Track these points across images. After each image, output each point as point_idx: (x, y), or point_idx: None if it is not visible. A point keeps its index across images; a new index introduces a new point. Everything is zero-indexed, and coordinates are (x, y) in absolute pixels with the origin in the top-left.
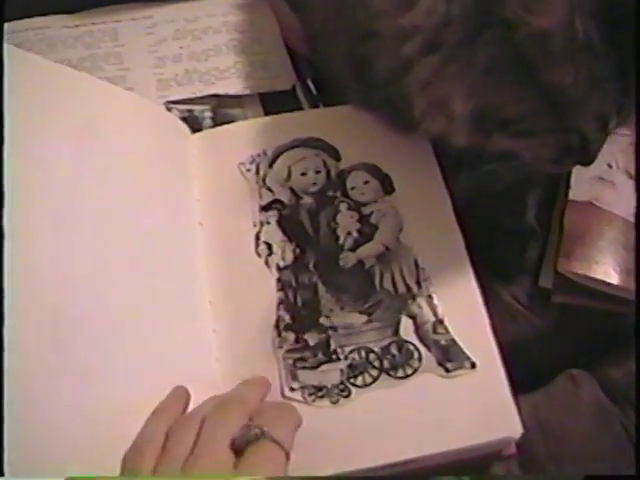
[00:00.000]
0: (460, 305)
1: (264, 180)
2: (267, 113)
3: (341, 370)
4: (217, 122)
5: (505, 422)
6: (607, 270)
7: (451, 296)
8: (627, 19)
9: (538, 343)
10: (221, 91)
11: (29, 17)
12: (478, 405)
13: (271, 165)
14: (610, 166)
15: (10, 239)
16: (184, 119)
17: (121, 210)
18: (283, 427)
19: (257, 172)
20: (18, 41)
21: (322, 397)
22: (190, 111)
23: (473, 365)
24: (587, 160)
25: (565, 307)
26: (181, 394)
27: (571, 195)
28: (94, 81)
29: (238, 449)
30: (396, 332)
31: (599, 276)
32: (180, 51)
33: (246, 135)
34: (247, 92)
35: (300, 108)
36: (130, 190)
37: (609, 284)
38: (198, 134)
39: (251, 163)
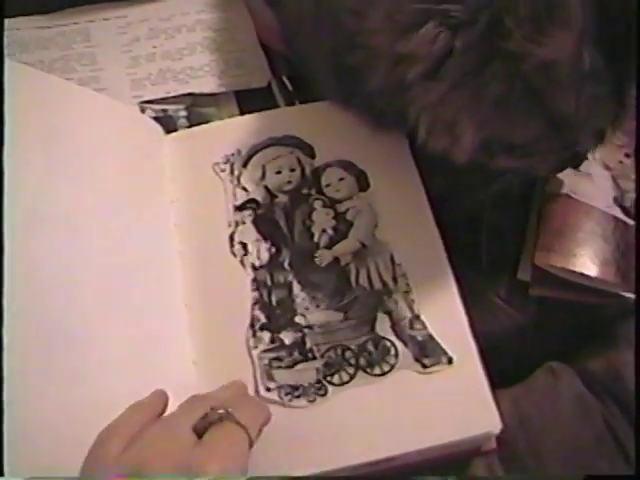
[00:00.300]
0: (437, 300)
1: (239, 179)
2: (242, 111)
3: (317, 369)
4: (192, 121)
5: (484, 417)
6: (585, 262)
7: (428, 291)
8: (627, 39)
9: (517, 336)
10: (196, 90)
11: None
12: (456, 401)
13: (245, 164)
14: (587, 158)
15: None
16: (158, 119)
17: (94, 213)
18: (248, 412)
19: (232, 172)
20: None
21: (298, 397)
22: (165, 110)
23: (450, 360)
24: (577, 164)
25: (544, 300)
26: (160, 395)
27: (548, 188)
28: (64, 84)
29: (200, 431)
30: (372, 329)
31: (577, 269)
32: (154, 50)
33: (220, 135)
34: (222, 90)
35: (276, 105)
36: (104, 193)
37: (587, 276)
38: (172, 135)
39: (225, 163)
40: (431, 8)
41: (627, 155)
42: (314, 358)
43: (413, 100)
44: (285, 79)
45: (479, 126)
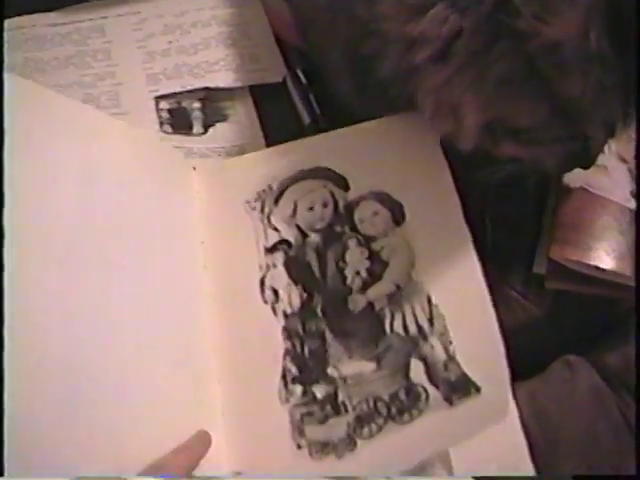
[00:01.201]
0: (474, 337)
1: (269, 218)
2: (257, 106)
3: (348, 423)
4: (207, 115)
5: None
6: (600, 256)
7: (466, 330)
8: (634, 31)
9: (533, 329)
10: (211, 84)
11: (12, 17)
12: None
13: (277, 201)
14: (603, 151)
15: (12, 288)
16: (172, 111)
17: (125, 256)
18: None
19: (262, 210)
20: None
21: (328, 453)
22: (179, 103)
23: (478, 389)
24: (588, 164)
25: (560, 293)
26: (204, 437)
27: (564, 180)
28: (92, 112)
29: None
30: (406, 376)
31: (592, 262)
32: (169, 45)
33: (250, 169)
34: (237, 85)
35: (290, 100)
36: (134, 234)
37: (603, 269)
38: (200, 168)
39: (256, 201)
40: None
41: None
42: (346, 412)
43: (421, 84)
44: (299, 72)
45: (483, 107)
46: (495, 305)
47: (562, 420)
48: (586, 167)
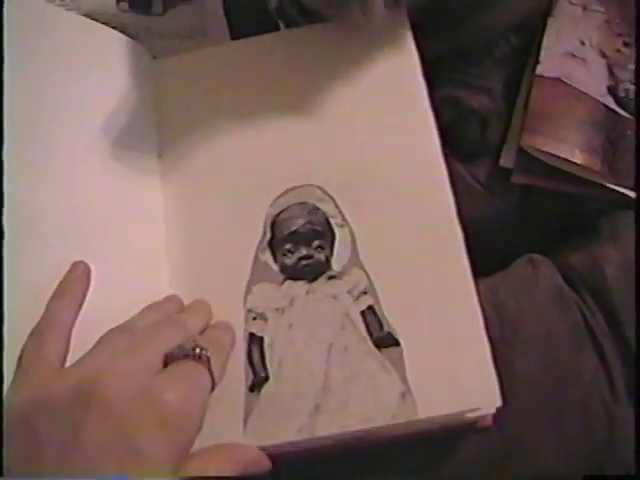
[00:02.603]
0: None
1: None
2: None
3: None
4: None
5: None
6: (571, 149)
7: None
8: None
9: (498, 225)
10: None
11: None
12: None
13: None
14: (583, 43)
15: None
16: None
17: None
18: (219, 356)
19: None
20: None
21: None
22: None
23: None
24: None
25: (527, 190)
26: (80, 273)
27: (539, 70)
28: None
29: (170, 360)
30: None
31: (563, 154)
32: None
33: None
34: None
35: None
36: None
37: (572, 163)
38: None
39: None
40: None
41: (625, 44)
42: None
43: None
44: None
45: None
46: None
47: (521, 317)
48: None
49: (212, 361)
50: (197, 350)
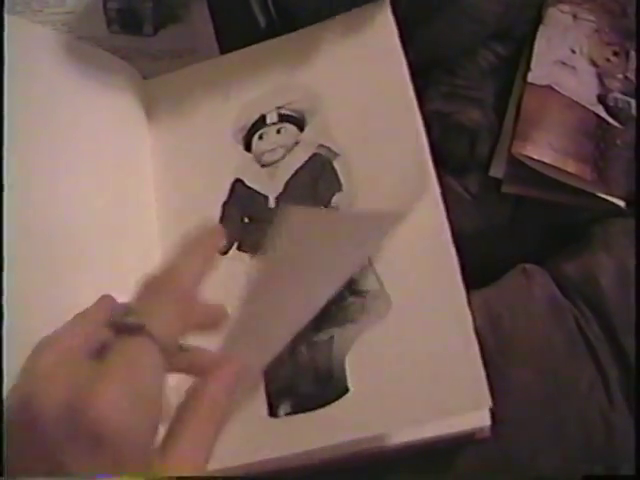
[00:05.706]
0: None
1: None
2: (211, 7)
3: None
4: (158, 15)
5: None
6: (562, 157)
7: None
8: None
9: (490, 236)
10: None
11: None
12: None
13: None
14: (573, 51)
15: None
16: (121, 11)
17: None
18: (165, 317)
19: None
20: None
21: None
22: (129, 2)
23: None
24: None
25: (518, 200)
26: (107, 300)
27: (530, 78)
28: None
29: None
30: None
31: (555, 162)
32: None
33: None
34: None
35: (246, 1)
36: None
37: (563, 171)
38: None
39: None
40: None
41: (615, 53)
42: None
43: None
44: None
45: None
46: (451, 209)
47: (516, 327)
48: None
49: (154, 322)
50: (129, 320)
